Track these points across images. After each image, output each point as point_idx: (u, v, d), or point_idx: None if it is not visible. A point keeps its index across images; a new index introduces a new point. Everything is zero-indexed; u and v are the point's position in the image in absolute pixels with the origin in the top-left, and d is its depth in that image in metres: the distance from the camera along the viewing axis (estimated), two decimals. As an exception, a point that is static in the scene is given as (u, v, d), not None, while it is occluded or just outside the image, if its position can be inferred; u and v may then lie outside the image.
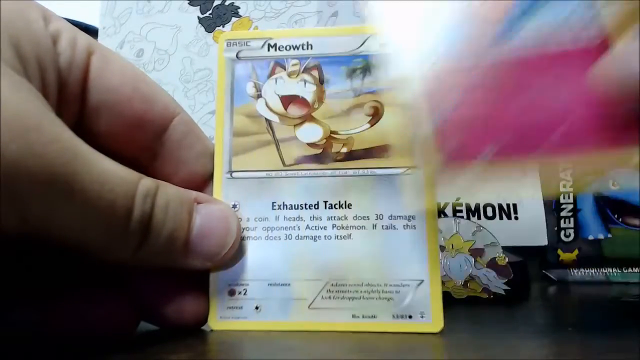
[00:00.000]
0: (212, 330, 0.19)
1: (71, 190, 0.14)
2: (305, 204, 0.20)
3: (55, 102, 0.16)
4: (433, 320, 0.19)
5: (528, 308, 0.27)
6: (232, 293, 0.19)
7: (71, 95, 0.17)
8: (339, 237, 0.19)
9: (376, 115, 0.20)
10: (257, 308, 0.19)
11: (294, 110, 0.20)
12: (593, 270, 0.39)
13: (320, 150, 0.20)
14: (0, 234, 0.14)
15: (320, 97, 0.20)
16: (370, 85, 0.20)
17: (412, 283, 0.19)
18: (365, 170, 0.20)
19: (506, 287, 0.28)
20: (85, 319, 0.18)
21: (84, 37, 0.18)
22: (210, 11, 0.40)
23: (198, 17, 0.40)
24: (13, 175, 0.13)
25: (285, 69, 0.21)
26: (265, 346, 0.17)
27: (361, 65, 0.20)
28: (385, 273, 0.19)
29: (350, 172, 0.20)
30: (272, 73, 0.21)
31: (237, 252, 0.19)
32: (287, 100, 0.21)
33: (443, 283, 0.28)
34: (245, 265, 0.19)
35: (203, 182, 0.20)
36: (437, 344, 0.17)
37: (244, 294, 0.19)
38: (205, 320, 0.19)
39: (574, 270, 0.40)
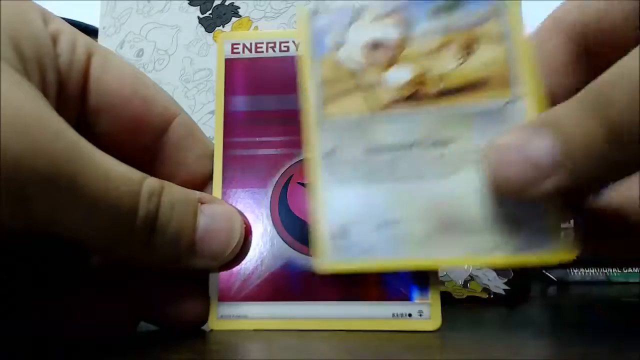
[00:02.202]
0: (211, 330, 0.19)
1: (75, 187, 0.14)
2: (404, 144, 0.19)
3: (55, 103, 0.16)
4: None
5: (528, 308, 0.27)
6: (338, 236, 0.19)
7: (71, 96, 0.17)
8: (443, 175, 0.19)
9: (468, 49, 0.19)
10: (365, 249, 0.18)
11: (380, 55, 0.20)
12: (593, 270, 0.39)
13: (413, 91, 0.19)
14: (6, 233, 0.14)
15: (406, 39, 0.20)
16: (459, 22, 0.19)
17: (524, 215, 0.18)
18: (462, 106, 0.19)
19: (506, 287, 0.28)
20: (85, 319, 0.18)
21: (84, 38, 0.18)
22: (210, 11, 0.40)
23: (198, 17, 0.40)
24: (17, 173, 0.13)
25: (366, 15, 0.20)
26: (265, 346, 0.17)
27: (447, 2, 0.19)
28: (494, 207, 0.18)
29: (447, 109, 0.19)
30: (353, 20, 0.20)
31: (241, 252, 0.19)
32: (372, 45, 0.20)
33: (443, 283, 0.28)
34: (348, 209, 0.19)
35: (203, 183, 0.20)
36: (437, 343, 0.17)
37: (349, 237, 0.18)
38: (205, 320, 0.19)
39: (574, 270, 0.40)
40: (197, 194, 0.19)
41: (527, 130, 0.17)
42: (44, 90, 0.16)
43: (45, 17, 0.17)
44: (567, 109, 0.16)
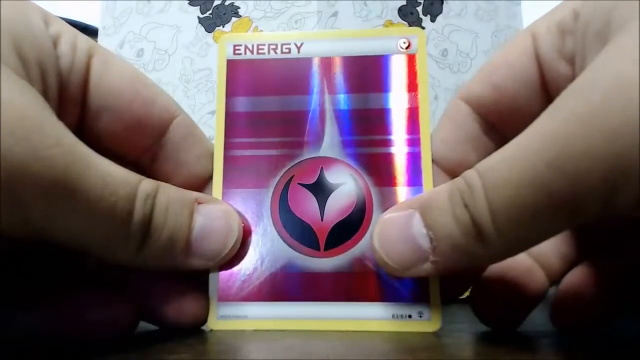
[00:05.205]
0: (211, 330, 0.19)
1: (73, 193, 0.14)
2: None
3: (56, 105, 0.17)
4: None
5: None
6: None
7: (72, 98, 0.17)
8: None
9: None
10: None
11: None
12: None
13: None
14: (3, 236, 0.14)
15: None
16: None
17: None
18: None
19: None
20: (85, 319, 0.18)
21: (84, 39, 0.18)
22: (210, 11, 0.40)
23: (198, 17, 0.40)
24: (17, 178, 0.13)
25: None
26: (265, 346, 0.17)
27: None
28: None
29: None
30: None
31: (240, 252, 0.19)
32: None
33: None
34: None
35: (203, 183, 0.21)
36: (437, 344, 0.17)
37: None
38: (204, 320, 0.19)
39: (574, 270, 0.40)
40: (194, 194, 0.19)
41: (409, 210, 0.17)
42: (45, 93, 0.16)
43: (46, 18, 0.17)
44: (438, 197, 0.16)
